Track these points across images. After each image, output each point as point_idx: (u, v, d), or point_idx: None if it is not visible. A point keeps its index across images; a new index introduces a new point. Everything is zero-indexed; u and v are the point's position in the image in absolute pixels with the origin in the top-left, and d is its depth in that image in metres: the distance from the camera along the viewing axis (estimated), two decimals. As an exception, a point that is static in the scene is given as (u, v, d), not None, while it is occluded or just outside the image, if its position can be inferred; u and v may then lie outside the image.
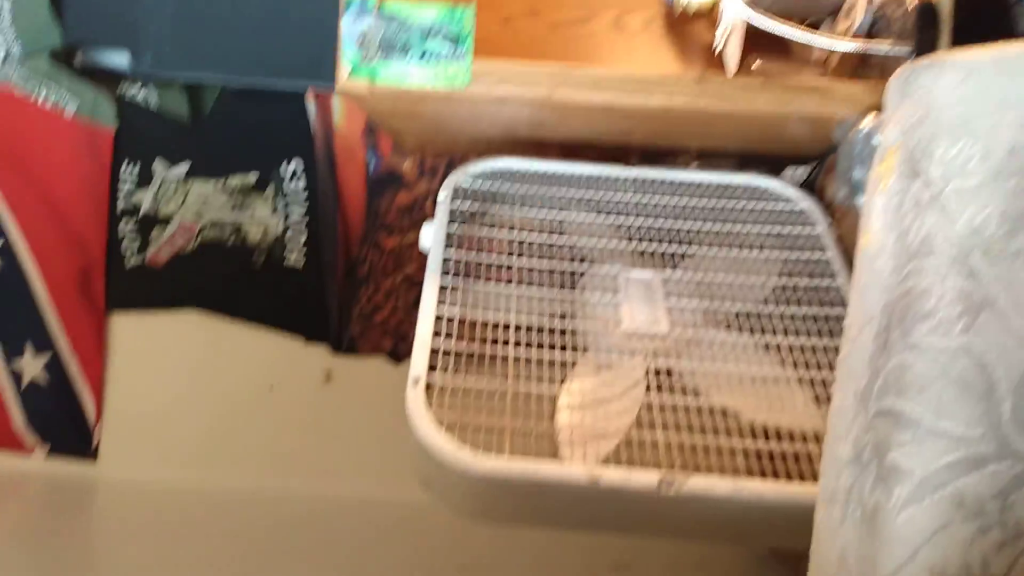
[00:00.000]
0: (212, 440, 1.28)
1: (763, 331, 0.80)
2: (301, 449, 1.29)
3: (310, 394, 1.29)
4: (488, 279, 0.83)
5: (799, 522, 0.64)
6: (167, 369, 1.30)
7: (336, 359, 1.29)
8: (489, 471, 0.67)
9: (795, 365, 0.77)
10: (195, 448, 1.28)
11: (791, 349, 0.78)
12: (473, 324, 0.79)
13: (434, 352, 0.76)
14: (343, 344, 1.28)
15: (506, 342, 0.77)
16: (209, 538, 1.20)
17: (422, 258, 1.30)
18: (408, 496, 1.25)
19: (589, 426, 0.72)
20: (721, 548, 1.11)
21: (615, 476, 0.67)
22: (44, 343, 1.28)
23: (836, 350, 0.78)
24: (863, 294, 0.53)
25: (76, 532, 1.28)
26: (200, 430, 1.28)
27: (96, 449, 1.29)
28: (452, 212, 0.89)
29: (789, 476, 0.68)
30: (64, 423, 1.29)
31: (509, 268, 0.85)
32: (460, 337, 0.77)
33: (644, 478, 0.66)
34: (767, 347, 0.79)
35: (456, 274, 0.83)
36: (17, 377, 1.29)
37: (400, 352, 1.29)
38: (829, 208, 0.92)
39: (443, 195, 0.90)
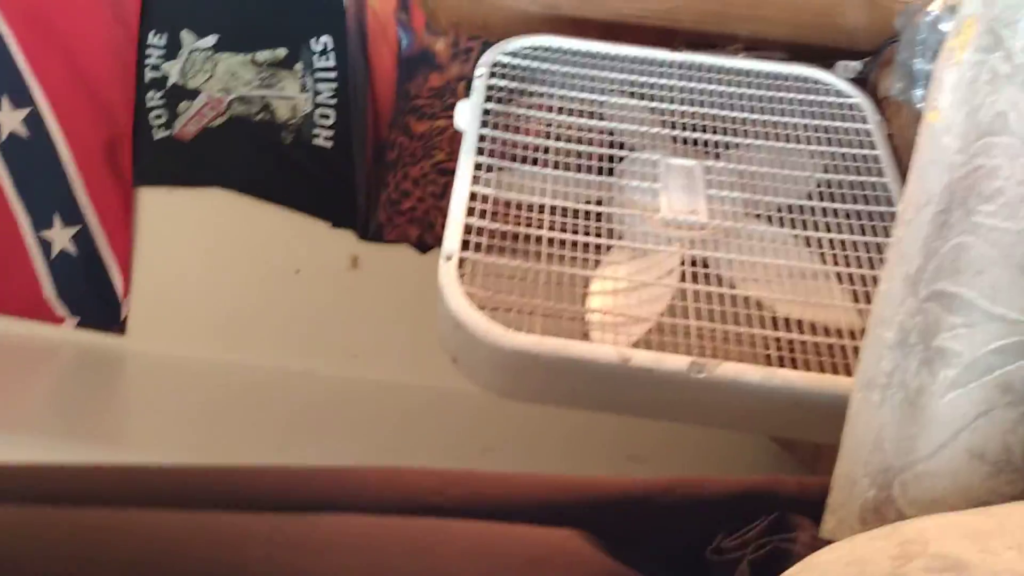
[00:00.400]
0: (237, 318, 1.30)
1: (804, 226, 0.78)
2: (325, 332, 1.30)
3: (335, 279, 1.29)
4: (524, 160, 0.81)
5: (827, 413, 0.64)
6: (194, 247, 1.31)
7: (362, 245, 1.29)
8: (520, 347, 0.67)
9: (835, 261, 0.75)
10: (221, 325, 1.30)
11: (832, 244, 0.76)
12: (507, 204, 0.78)
13: (467, 229, 0.75)
14: (369, 231, 1.27)
15: (540, 224, 0.75)
16: (231, 412, 1.23)
17: (452, 146, 1.28)
18: (430, 381, 1.26)
19: (621, 310, 0.71)
20: (735, 443, 1.12)
21: (646, 358, 0.66)
22: (72, 215, 1.28)
23: (879, 247, 0.76)
24: (923, 173, 0.51)
25: (104, 400, 1.31)
26: (226, 308, 1.30)
27: (124, 322, 1.31)
28: (489, 89, 0.86)
29: (822, 368, 0.67)
30: (93, 295, 1.30)
31: (546, 150, 0.82)
32: (494, 216, 0.76)
33: (675, 361, 0.66)
34: (808, 242, 0.77)
35: (491, 153, 0.81)
36: (47, 247, 1.29)
37: (426, 241, 1.28)
38: (881, 104, 0.89)
39: (480, 71, 0.87)
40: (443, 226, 1.28)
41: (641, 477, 0.56)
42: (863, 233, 0.77)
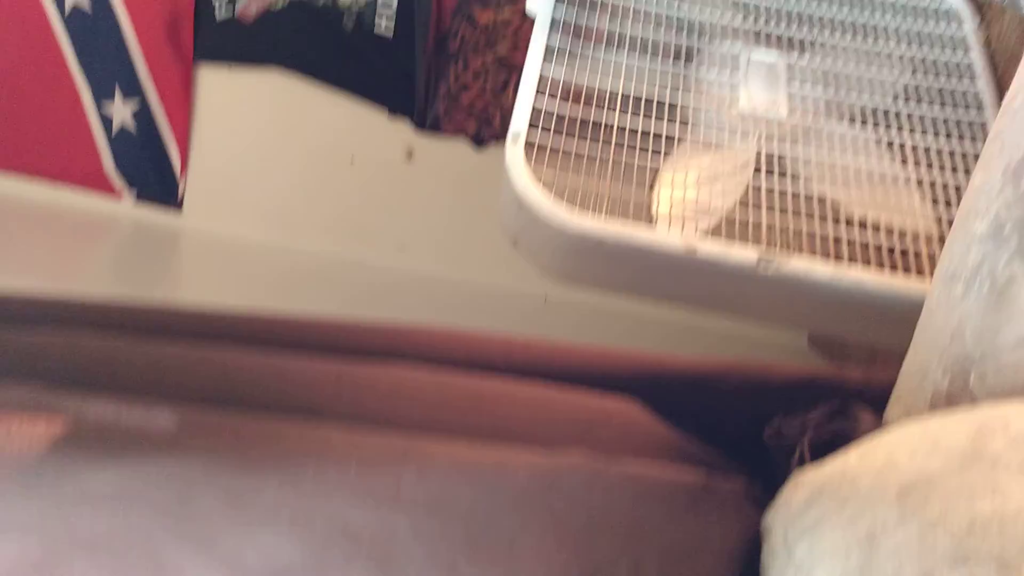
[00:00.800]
0: (292, 203, 1.31)
1: (888, 128, 0.75)
2: (376, 223, 1.30)
3: (390, 170, 1.29)
4: (598, 45, 0.79)
5: (896, 315, 0.63)
6: (251, 129, 1.30)
7: (418, 138, 1.27)
8: (584, 230, 0.66)
9: (916, 166, 0.72)
10: (275, 209, 1.31)
11: (915, 149, 0.73)
12: (578, 89, 0.76)
13: (536, 112, 0.73)
14: (427, 122, 1.26)
15: (612, 109, 0.73)
16: (280, 295, 1.25)
17: (516, 38, 1.24)
18: (477, 277, 1.27)
19: (690, 201, 0.69)
20: (773, 349, 1.11)
21: (713, 249, 0.65)
22: (133, 89, 1.28)
23: (965, 155, 0.73)
24: (1038, 60, 0.48)
25: (158, 275, 1.34)
26: (281, 192, 1.30)
27: (181, 200, 1.32)
28: (566, -30, 0.83)
29: (894, 270, 0.66)
30: (151, 171, 1.31)
31: (622, 36, 0.79)
32: (564, 100, 0.74)
33: (743, 254, 0.65)
34: (890, 145, 0.74)
35: (565, 35, 0.78)
36: (107, 121, 1.30)
37: (483, 137, 1.26)
38: (981, 9, 0.83)
39: (558, -50, 0.83)
40: (501, 122, 1.27)
41: (703, 355, 0.56)
42: (948, 139, 0.74)
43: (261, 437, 0.38)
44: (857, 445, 0.45)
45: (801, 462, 0.48)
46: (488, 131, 1.25)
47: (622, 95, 0.74)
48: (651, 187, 0.71)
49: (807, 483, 0.42)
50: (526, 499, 0.36)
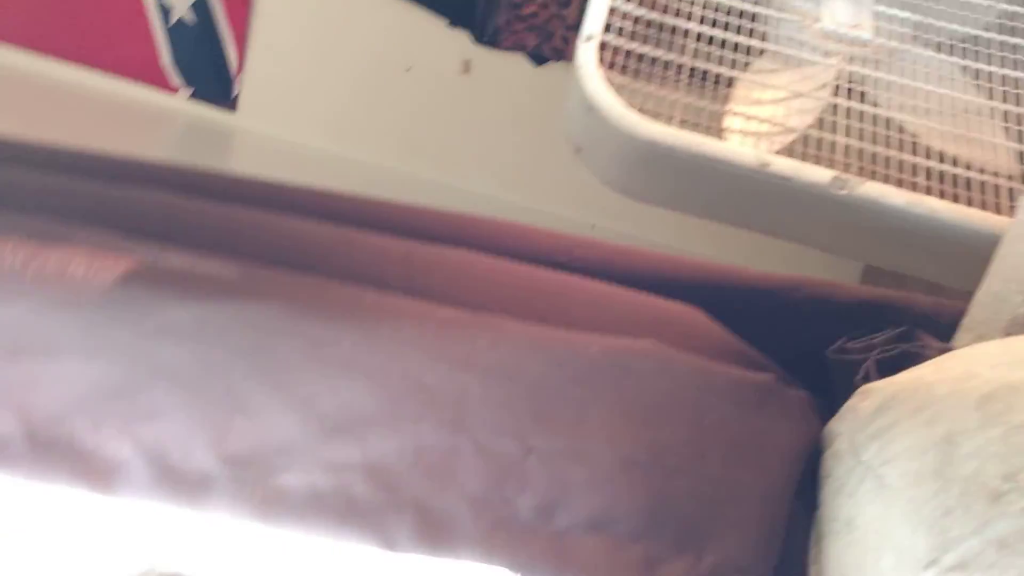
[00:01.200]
0: (345, 109, 1.29)
1: (976, 58, 0.71)
2: (430, 136, 1.29)
3: (446, 82, 1.27)
4: (679, -50, 0.75)
5: (968, 251, 0.61)
6: (309, 30, 1.29)
7: (476, 50, 1.24)
8: (654, 137, 0.64)
9: (1004, 98, 0.69)
10: (328, 114, 1.30)
11: (1004, 80, 0.70)
12: (657, -8, 0.73)
13: (610, 12, 0.70)
14: (486, 34, 1.23)
15: (690, 16, 0.71)
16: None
17: (585, -49, 1.20)
18: (526, 200, 1.26)
19: (766, 116, 0.67)
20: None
21: (786, 165, 0.63)
22: (192, -17, 1.27)
23: (1057, 90, 0.69)
24: None
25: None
26: (335, 97, 1.29)
27: (236, 99, 1.32)
28: None
29: (971, 204, 0.63)
30: (207, 68, 1.31)
31: (704, -59, 0.76)
32: (641, 2, 0.71)
33: (816, 174, 0.63)
34: (976, 75, 0.71)
35: (645, -62, 0.75)
36: (166, 13, 1.29)
37: (543, 53, 1.23)
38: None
39: None
40: (562, 38, 1.23)
41: (769, 272, 0.55)
42: (1041, 74, 0.70)
43: (338, 295, 0.38)
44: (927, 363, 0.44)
45: (865, 380, 0.47)
46: (548, 47, 1.22)
47: (704, 3, 0.72)
48: (725, 100, 0.69)
49: (876, 391, 0.41)
50: (596, 376, 0.36)
